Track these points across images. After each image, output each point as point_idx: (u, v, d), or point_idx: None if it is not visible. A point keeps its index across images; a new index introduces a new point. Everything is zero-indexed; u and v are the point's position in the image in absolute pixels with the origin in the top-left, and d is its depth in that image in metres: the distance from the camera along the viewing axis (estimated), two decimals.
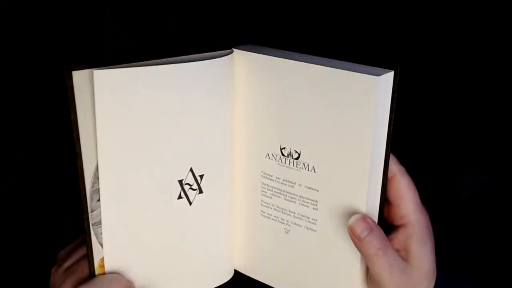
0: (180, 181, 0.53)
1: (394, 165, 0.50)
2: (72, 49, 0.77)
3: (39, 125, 0.80)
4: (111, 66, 0.48)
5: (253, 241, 0.58)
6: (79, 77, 0.47)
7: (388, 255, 0.49)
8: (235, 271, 0.60)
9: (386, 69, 0.47)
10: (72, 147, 0.48)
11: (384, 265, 0.49)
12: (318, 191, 0.51)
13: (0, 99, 0.79)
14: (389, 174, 0.50)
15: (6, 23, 0.77)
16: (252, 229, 0.58)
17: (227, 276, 0.60)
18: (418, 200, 0.51)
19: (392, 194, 0.51)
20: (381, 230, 0.50)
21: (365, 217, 0.49)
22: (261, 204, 0.56)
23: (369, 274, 0.51)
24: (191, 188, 0.54)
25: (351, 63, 0.49)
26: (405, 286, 0.50)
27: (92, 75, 0.47)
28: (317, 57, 0.51)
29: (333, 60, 0.50)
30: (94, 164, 0.50)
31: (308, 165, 0.51)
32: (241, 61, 0.53)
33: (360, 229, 0.48)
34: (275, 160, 0.54)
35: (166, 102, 0.50)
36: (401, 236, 0.50)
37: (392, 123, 0.48)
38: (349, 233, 0.49)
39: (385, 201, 0.51)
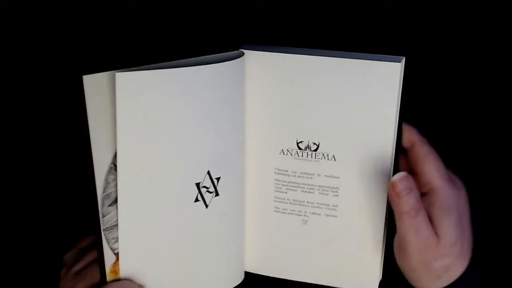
0: (198, 184, 0.53)
1: (415, 135, 0.52)
2: (78, 52, 0.75)
3: (49, 130, 0.77)
4: (131, 69, 0.47)
5: (267, 239, 0.59)
6: (90, 81, 0.46)
7: (419, 216, 0.49)
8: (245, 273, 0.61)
9: (397, 56, 0.50)
10: (83, 152, 0.48)
11: (414, 226, 0.49)
12: (338, 178, 0.54)
13: (13, 103, 0.76)
14: (409, 144, 0.52)
15: (13, 25, 0.74)
16: (266, 227, 0.58)
17: (238, 279, 0.60)
18: (443, 169, 0.51)
19: (412, 161, 0.52)
20: (419, 194, 0.50)
21: (409, 177, 0.49)
22: (275, 201, 0.57)
23: (395, 241, 0.52)
24: (208, 191, 0.54)
25: (355, 53, 0.52)
26: (428, 254, 0.50)
27: (102, 80, 0.47)
28: (320, 50, 0.53)
29: (338, 51, 0.52)
30: (105, 170, 0.49)
31: (327, 154, 0.53)
32: (253, 61, 0.54)
33: (402, 187, 0.49)
34: (291, 155, 0.55)
35: (184, 104, 0.50)
36: (424, 203, 0.50)
37: (403, 108, 0.52)
38: (389, 188, 0.49)
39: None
